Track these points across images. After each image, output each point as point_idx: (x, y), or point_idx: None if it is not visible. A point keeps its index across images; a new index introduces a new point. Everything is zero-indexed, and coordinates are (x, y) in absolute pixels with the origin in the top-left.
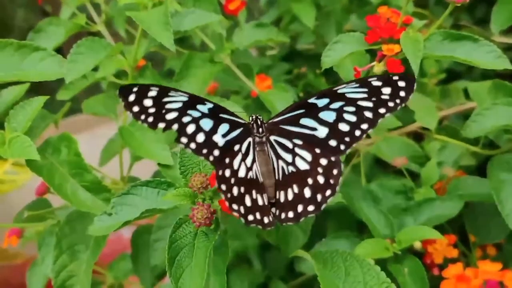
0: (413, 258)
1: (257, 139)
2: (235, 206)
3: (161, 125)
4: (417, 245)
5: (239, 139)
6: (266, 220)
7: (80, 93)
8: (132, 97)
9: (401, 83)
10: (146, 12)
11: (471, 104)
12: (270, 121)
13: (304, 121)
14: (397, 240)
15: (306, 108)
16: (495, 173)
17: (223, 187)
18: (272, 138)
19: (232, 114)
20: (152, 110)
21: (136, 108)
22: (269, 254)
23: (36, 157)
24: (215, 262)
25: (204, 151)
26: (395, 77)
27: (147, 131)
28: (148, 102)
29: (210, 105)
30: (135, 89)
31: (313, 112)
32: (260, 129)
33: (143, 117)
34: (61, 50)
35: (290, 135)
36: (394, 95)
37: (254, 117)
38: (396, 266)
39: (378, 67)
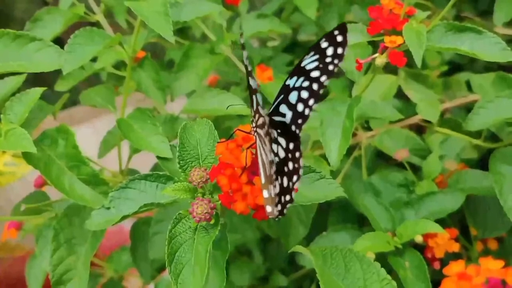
0: (414, 252)
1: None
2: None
3: None
4: (418, 239)
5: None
6: (275, 211)
7: (80, 84)
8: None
9: (339, 38)
10: (145, 2)
11: (473, 96)
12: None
13: (281, 108)
14: (398, 234)
15: (284, 92)
16: (497, 166)
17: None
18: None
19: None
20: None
21: None
22: (269, 246)
23: (33, 149)
24: (214, 256)
25: None
26: (336, 32)
27: (145, 123)
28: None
29: None
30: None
31: (287, 95)
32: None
33: None
34: (60, 41)
35: (275, 126)
36: (333, 55)
37: None
38: (396, 260)
39: (381, 59)
